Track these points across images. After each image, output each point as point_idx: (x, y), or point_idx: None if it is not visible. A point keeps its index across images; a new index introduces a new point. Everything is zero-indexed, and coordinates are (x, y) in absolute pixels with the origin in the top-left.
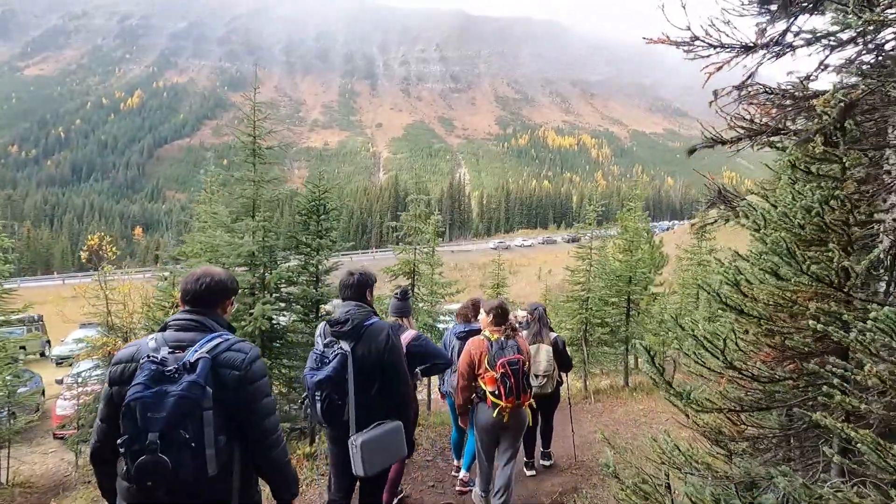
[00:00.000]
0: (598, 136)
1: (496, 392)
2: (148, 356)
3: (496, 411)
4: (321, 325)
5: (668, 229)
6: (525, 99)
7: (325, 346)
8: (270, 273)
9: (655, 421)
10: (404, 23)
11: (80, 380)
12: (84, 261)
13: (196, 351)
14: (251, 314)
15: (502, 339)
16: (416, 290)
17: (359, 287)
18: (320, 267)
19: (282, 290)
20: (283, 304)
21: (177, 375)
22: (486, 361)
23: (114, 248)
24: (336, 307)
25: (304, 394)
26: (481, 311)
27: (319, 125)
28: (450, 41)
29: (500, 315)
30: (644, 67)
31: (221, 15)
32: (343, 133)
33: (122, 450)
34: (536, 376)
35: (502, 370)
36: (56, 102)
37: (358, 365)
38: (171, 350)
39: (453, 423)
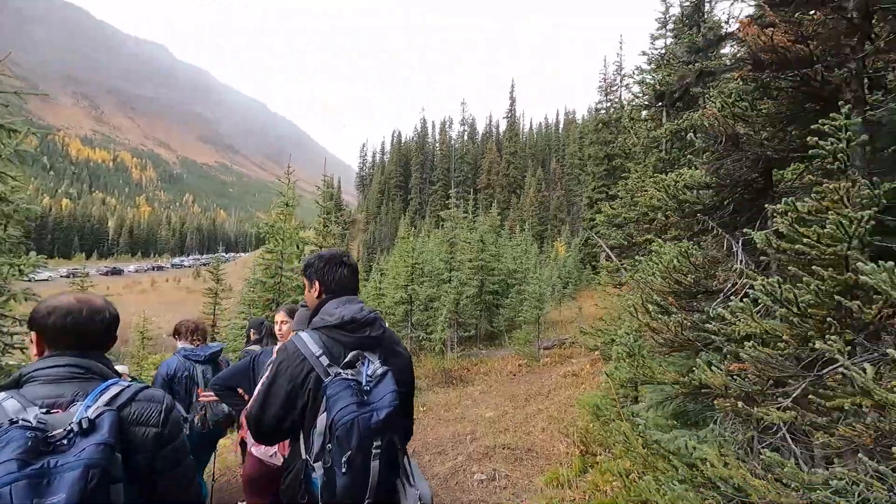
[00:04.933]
0: (142, 157)
1: None
2: (11, 420)
3: None
4: (297, 339)
5: (227, 260)
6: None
7: (347, 364)
8: None
9: None
10: None
11: None
12: None
13: (88, 406)
14: None
15: None
16: None
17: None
18: None
19: None
20: None
21: (66, 442)
22: None
23: None
24: None
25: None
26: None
27: None
28: None
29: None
30: (200, 99)
31: None
32: None
33: None
34: None
35: None
36: None
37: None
38: (44, 410)
39: None
